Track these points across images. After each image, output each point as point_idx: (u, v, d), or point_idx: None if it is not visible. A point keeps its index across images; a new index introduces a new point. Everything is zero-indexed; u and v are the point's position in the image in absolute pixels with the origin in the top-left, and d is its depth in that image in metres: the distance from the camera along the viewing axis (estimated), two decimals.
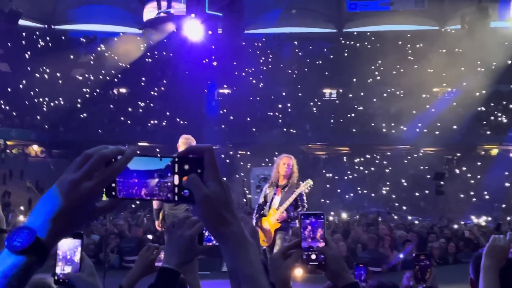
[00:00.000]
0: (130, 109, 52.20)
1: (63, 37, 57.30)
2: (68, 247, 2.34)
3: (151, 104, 52.87)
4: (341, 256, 2.37)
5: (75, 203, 1.16)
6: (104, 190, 1.23)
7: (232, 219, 1.27)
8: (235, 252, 1.28)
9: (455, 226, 18.24)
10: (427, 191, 39.10)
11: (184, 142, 8.30)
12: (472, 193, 41.13)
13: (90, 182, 1.16)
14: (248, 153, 45.04)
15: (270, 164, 32.20)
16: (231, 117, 50.06)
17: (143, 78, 54.01)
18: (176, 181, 1.23)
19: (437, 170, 32.90)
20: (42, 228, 1.13)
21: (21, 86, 51.62)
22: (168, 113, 50.43)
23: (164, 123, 50.30)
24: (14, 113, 50.59)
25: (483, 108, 47.22)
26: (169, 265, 2.20)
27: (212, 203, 1.23)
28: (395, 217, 27.70)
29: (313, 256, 2.29)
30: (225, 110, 51.07)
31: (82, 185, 1.16)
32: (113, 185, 1.21)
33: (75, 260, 2.36)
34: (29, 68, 52.49)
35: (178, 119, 48.75)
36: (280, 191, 8.60)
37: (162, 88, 53.55)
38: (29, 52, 54.45)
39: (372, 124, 48.04)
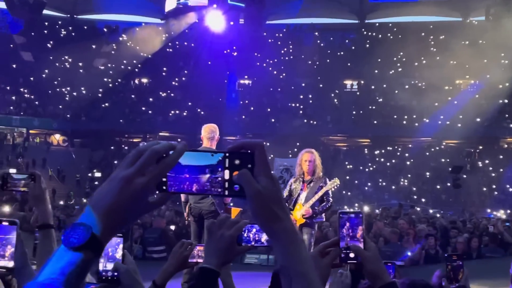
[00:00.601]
0: (151, 99, 52.41)
1: (85, 27, 57.59)
2: (110, 244, 2.33)
3: (172, 94, 53.03)
4: (378, 256, 2.35)
5: (128, 199, 1.17)
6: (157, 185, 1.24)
7: (283, 215, 1.28)
8: (286, 249, 1.27)
9: (479, 221, 18.05)
10: (448, 184, 38.81)
11: (207, 137, 8.29)
12: (494, 186, 40.83)
13: (143, 178, 1.17)
14: (268, 144, 44.99)
15: (290, 156, 32.26)
16: (252, 108, 50.05)
17: (165, 68, 54.15)
18: (227, 176, 1.24)
19: (457, 163, 32.70)
20: (97, 224, 1.15)
21: (43, 75, 52.04)
22: (189, 103, 50.53)
23: (185, 113, 50.43)
24: (37, 102, 51.08)
25: (506, 101, 46.67)
26: (209, 265, 2.20)
27: (263, 199, 1.24)
28: (418, 209, 27.54)
29: (351, 255, 2.26)
30: (245, 101, 51.08)
31: (135, 181, 1.17)
32: (164, 180, 1.22)
33: (117, 257, 2.37)
34: (51, 58, 52.84)
35: (198, 110, 48.86)
36: (306, 186, 8.56)
37: (183, 78, 53.65)
38: (51, 42, 54.85)
39: (394, 116, 47.78)
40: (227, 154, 1.24)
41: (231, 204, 9.80)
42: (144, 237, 12.66)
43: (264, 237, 2.38)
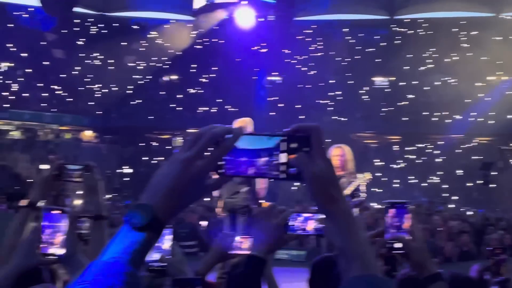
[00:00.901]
0: (180, 96, 52.70)
1: (115, 24, 58.06)
2: None
3: (201, 91, 53.25)
4: (425, 247, 2.33)
5: (187, 181, 1.20)
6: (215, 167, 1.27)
7: (340, 196, 1.29)
8: (343, 230, 1.27)
9: None
10: (480, 182, 38.36)
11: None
12: None
13: (202, 161, 1.21)
14: None
15: None
16: (280, 105, 50.01)
17: (193, 65, 54.36)
18: (284, 159, 1.26)
19: (488, 160, 32.34)
20: (158, 204, 1.19)
21: (74, 72, 52.63)
22: (217, 100, 50.68)
23: (213, 110, 50.58)
24: (68, 99, 51.70)
25: None
26: (257, 253, 2.20)
27: (320, 181, 1.25)
28: (450, 206, 27.32)
29: (397, 245, 2.26)
30: (274, 98, 51.07)
31: (194, 163, 1.21)
32: (221, 163, 1.25)
33: (164, 248, 2.38)
34: (82, 55, 53.42)
35: (227, 106, 48.96)
36: None
37: (212, 75, 53.83)
38: (82, 39, 55.43)
39: (424, 113, 47.35)
40: (283, 138, 1.28)
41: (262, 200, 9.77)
42: (176, 231, 12.72)
43: (310, 225, 2.37)
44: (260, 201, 8.78)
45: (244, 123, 8.51)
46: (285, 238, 2.28)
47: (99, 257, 1.15)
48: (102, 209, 3.09)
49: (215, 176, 1.26)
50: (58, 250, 2.41)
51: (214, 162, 1.23)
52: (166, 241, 2.38)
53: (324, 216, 2.35)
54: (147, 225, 1.15)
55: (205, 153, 1.22)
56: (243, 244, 3.45)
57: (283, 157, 1.25)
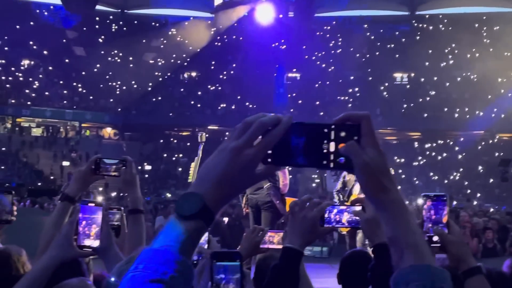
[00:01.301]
0: (200, 93, 52.83)
1: (135, 22, 58.35)
2: None
3: (221, 88, 53.33)
4: (463, 240, 2.31)
5: (237, 170, 1.19)
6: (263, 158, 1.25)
7: (391, 186, 1.26)
8: (395, 220, 1.26)
9: None
10: (491, 180, 38.15)
11: None
12: None
13: (251, 149, 1.19)
14: None
15: None
16: (300, 101, 49.92)
17: (213, 62, 54.47)
18: (333, 148, 1.22)
19: (506, 157, 31.99)
20: (208, 193, 1.17)
21: (95, 69, 52.97)
22: (237, 97, 50.73)
23: (233, 107, 50.66)
24: (89, 96, 52.07)
25: None
26: (293, 245, 2.20)
27: (371, 170, 1.22)
28: (475, 203, 27.10)
29: (435, 238, 2.25)
30: (294, 94, 51.00)
31: (244, 152, 1.19)
32: (270, 152, 1.23)
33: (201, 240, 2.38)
34: (103, 52, 53.76)
35: (247, 103, 48.99)
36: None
37: (232, 72, 53.89)
38: (103, 36, 55.78)
39: (445, 109, 47.01)
40: (332, 126, 1.23)
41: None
42: None
43: (345, 218, 2.37)
44: (283, 196, 8.78)
45: None
46: (320, 231, 2.29)
47: (150, 245, 1.15)
48: (139, 203, 3.13)
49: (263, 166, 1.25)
50: (93, 242, 2.44)
51: (264, 151, 1.21)
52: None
53: (360, 209, 2.38)
54: (196, 214, 1.15)
55: (254, 142, 1.21)
56: (274, 239, 3.47)
57: (332, 146, 1.22)
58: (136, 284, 1.10)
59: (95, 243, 2.45)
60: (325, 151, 1.23)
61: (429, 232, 2.27)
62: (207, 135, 10.15)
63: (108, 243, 2.46)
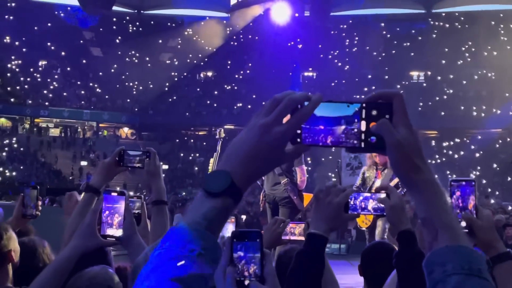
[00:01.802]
0: (216, 92, 52.89)
1: (152, 22, 58.56)
2: None
3: (237, 88, 53.36)
4: (492, 225, 2.32)
5: (266, 147, 1.16)
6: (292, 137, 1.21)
7: (424, 166, 1.24)
8: (428, 200, 1.23)
9: None
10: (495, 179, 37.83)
11: None
12: None
13: (281, 126, 1.16)
14: None
15: None
16: None
17: (229, 62, 54.51)
18: (363, 127, 1.19)
19: None
20: (235, 171, 1.15)
21: (112, 70, 53.25)
22: (253, 96, 50.70)
23: (249, 107, 50.63)
24: (106, 96, 52.34)
25: None
26: (318, 230, 2.23)
27: (403, 149, 1.19)
28: (492, 201, 26.85)
29: (462, 224, 2.21)
30: (310, 93, 50.71)
31: (273, 129, 1.16)
32: (299, 132, 1.20)
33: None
34: (119, 53, 54.02)
35: (263, 102, 48.38)
36: (380, 173, 8.45)
37: (248, 72, 53.88)
38: (119, 37, 56.05)
39: (462, 107, 46.69)
40: (363, 105, 1.20)
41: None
42: None
43: (370, 205, 2.39)
44: (301, 192, 8.81)
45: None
46: (345, 217, 2.31)
47: (178, 224, 1.14)
48: (162, 194, 3.15)
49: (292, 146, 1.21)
50: (116, 231, 2.46)
51: (294, 129, 1.18)
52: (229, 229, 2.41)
53: (385, 196, 2.40)
54: (224, 191, 1.12)
55: (284, 119, 1.16)
56: (295, 230, 3.51)
57: (363, 125, 1.18)
58: (163, 261, 1.09)
59: (118, 232, 2.48)
60: (355, 130, 1.19)
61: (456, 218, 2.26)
62: (225, 132, 10.19)
63: (131, 232, 2.48)
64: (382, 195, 2.37)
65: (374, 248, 3.69)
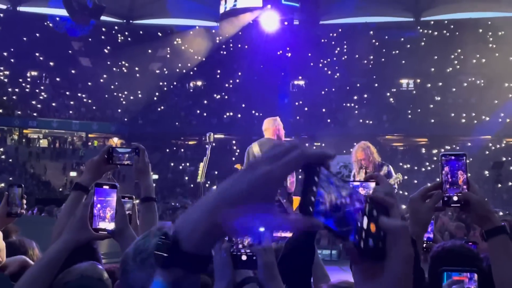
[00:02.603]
0: (205, 102, 52.88)
1: (141, 32, 58.57)
2: None
3: (226, 97, 53.38)
4: (485, 199, 2.30)
5: (260, 195, 0.90)
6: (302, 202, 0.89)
7: None
8: None
9: None
10: (510, 183, 37.89)
11: (269, 129, 8.37)
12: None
13: (283, 182, 0.93)
14: (323, 144, 44.80)
15: (344, 151, 31.99)
16: (306, 109, 49.90)
17: (219, 71, 54.56)
18: (365, 225, 0.94)
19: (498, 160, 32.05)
20: (204, 220, 0.90)
21: (101, 80, 53.17)
22: (243, 105, 50.75)
23: (239, 115, 50.68)
24: (95, 107, 52.19)
25: None
26: None
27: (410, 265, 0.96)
28: None
29: (455, 198, 2.22)
30: (300, 102, 50.97)
31: (273, 180, 0.91)
32: (313, 199, 0.88)
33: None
34: (108, 63, 53.97)
35: (253, 111, 48.99)
36: None
37: (237, 81, 53.95)
38: (108, 47, 56.00)
39: (452, 115, 46.89)
40: (369, 199, 0.98)
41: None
42: None
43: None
44: (290, 196, 8.72)
45: (276, 122, 8.58)
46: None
47: None
48: (151, 191, 3.12)
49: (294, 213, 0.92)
50: (108, 225, 2.44)
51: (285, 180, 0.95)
52: None
53: (374, 185, 2.32)
54: (171, 260, 0.89)
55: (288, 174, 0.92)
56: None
57: (365, 222, 0.93)
58: None
59: (111, 226, 2.44)
60: (358, 224, 0.94)
61: (447, 193, 2.25)
62: (215, 136, 10.12)
63: (123, 225, 2.44)
64: (372, 184, 2.30)
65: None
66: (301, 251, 2.16)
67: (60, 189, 40.82)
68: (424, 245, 3.33)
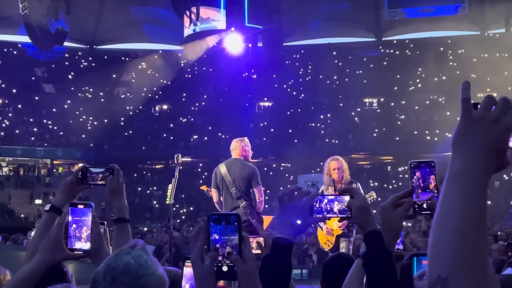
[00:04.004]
0: (172, 125, 52.69)
1: (105, 57, 58.26)
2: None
3: (193, 119, 53.29)
4: None
5: None
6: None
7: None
8: None
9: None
10: None
11: (236, 149, 8.47)
12: None
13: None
14: (289, 165, 45.00)
15: (312, 171, 32.11)
16: (272, 130, 50.07)
17: (184, 94, 54.51)
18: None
19: None
20: None
21: (65, 106, 52.62)
22: (209, 128, 50.71)
23: (206, 138, 50.60)
24: (60, 133, 51.58)
25: None
26: (283, 235, 2.16)
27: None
28: None
29: (425, 206, 2.24)
30: (266, 123, 51.13)
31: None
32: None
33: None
34: (72, 88, 53.48)
35: (219, 133, 48.97)
36: (338, 193, 8.44)
37: (203, 103, 53.93)
38: (72, 73, 55.55)
39: (416, 132, 47.51)
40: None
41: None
42: (178, 253, 12.54)
43: (336, 207, 2.34)
44: (260, 215, 8.75)
45: (243, 142, 8.67)
46: (310, 221, 2.26)
47: None
48: (125, 212, 3.09)
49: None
50: (84, 245, 2.43)
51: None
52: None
53: (349, 198, 2.37)
54: None
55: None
56: (252, 244, 3.44)
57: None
58: None
59: (86, 246, 2.42)
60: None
61: (419, 198, 2.27)
62: (182, 159, 10.12)
63: (98, 244, 2.43)
64: (346, 197, 2.34)
65: (335, 259, 3.66)
66: (278, 267, 2.16)
67: (25, 216, 40.12)
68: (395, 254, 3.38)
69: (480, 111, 1.40)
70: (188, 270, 2.26)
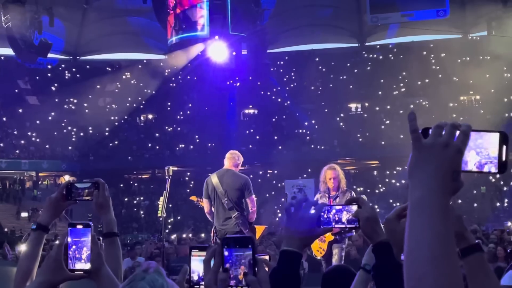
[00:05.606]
0: (157, 135, 52.57)
1: (88, 67, 57.98)
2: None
3: (178, 128, 53.20)
4: (461, 215, 2.35)
5: None
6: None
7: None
8: None
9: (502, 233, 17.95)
10: (460, 201, 38.65)
11: (229, 157, 8.50)
12: (506, 200, 40.70)
13: None
14: (276, 171, 45.04)
15: (299, 177, 32.16)
16: (258, 137, 50.09)
17: (169, 103, 54.41)
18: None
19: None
20: None
21: (50, 117, 52.29)
22: (195, 136, 50.66)
23: (191, 147, 50.53)
24: (45, 145, 51.24)
25: None
26: (291, 247, 2.16)
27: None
28: None
29: None
30: (251, 130, 51.16)
31: None
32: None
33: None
34: (56, 100, 53.18)
35: (205, 142, 48.95)
36: (332, 201, 8.51)
37: (188, 112, 53.88)
38: (56, 84, 55.24)
39: (401, 136, 47.70)
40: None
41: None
42: (170, 266, 12.51)
43: (344, 218, 2.32)
44: (252, 225, 8.76)
45: (237, 156, 8.73)
46: (319, 232, 2.25)
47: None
48: (113, 226, 3.08)
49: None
50: (85, 265, 2.41)
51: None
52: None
53: (356, 208, 2.38)
54: None
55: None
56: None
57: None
58: None
59: (87, 266, 2.41)
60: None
61: None
62: (173, 169, 10.15)
63: (99, 263, 2.42)
64: (354, 207, 2.33)
65: (334, 271, 3.68)
66: (286, 282, 2.15)
67: (11, 230, 39.73)
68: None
69: (430, 138, 1.49)
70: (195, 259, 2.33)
